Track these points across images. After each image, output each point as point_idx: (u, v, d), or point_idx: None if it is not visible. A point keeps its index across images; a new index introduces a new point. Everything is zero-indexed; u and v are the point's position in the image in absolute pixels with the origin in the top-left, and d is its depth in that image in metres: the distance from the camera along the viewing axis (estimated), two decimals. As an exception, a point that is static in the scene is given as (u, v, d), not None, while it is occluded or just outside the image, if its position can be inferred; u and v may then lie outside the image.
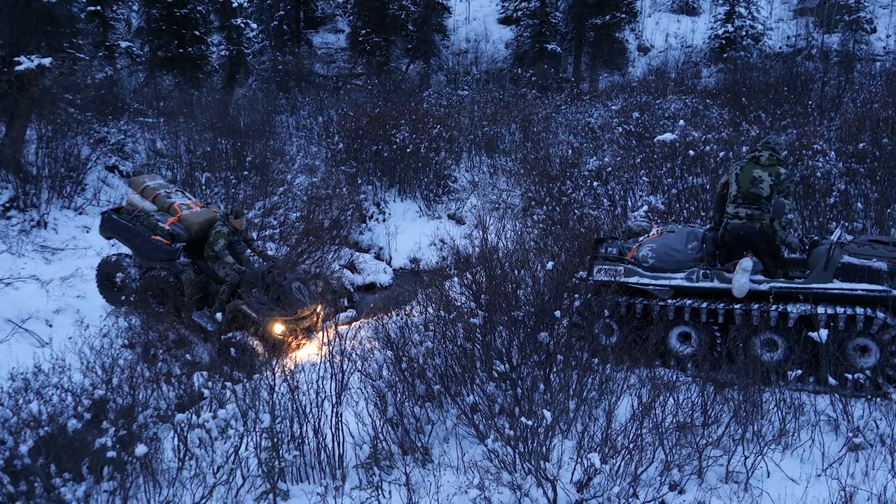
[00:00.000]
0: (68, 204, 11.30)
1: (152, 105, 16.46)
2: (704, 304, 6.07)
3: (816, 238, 6.65)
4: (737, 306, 5.90)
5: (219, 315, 7.17)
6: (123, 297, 8.57)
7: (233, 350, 6.10)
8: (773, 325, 5.77)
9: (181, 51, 20.61)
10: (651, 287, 6.33)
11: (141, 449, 4.33)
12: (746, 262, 5.94)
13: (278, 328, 7.86)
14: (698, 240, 6.54)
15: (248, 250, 8.82)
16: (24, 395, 5.16)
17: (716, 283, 6.12)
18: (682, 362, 6.08)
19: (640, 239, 6.92)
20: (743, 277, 5.88)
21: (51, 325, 8.59)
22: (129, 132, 14.20)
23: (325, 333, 5.92)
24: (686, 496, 4.28)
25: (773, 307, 5.74)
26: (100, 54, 18.68)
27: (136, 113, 15.48)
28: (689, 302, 6.15)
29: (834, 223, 8.16)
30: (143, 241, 8.56)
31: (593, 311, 5.87)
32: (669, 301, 6.23)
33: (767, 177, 6.22)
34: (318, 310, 8.49)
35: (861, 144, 10.42)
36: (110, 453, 4.25)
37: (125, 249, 9.05)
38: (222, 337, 7.64)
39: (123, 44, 20.48)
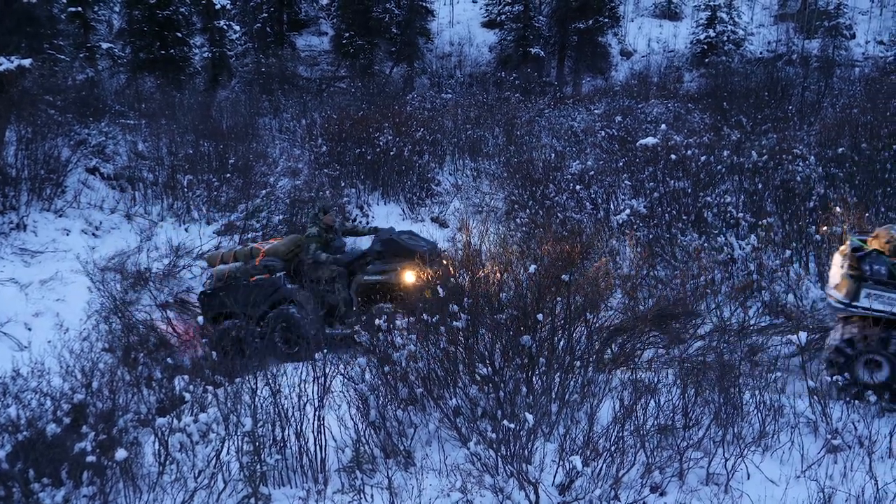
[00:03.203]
0: (48, 206, 11.18)
1: (134, 107, 16.30)
2: None
3: None
4: None
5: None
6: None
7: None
8: None
9: (163, 52, 20.46)
10: None
11: (121, 453, 4.30)
12: None
13: (409, 277, 7.40)
14: None
15: (352, 237, 8.65)
16: (2, 399, 5.10)
17: None
18: None
19: None
20: None
21: (30, 329, 8.50)
22: (111, 134, 14.06)
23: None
24: (667, 498, 4.31)
25: None
26: (81, 55, 18.52)
27: (118, 115, 15.34)
28: None
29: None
30: (246, 293, 8.13)
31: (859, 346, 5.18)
32: None
33: None
34: (441, 253, 8.19)
35: (840, 149, 10.54)
36: (90, 458, 4.21)
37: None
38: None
39: (105, 45, 20.30)
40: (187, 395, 5.35)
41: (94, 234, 11.05)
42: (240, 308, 8.01)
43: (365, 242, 9.26)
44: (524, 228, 10.58)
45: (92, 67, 18.76)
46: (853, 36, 26.76)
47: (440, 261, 7.72)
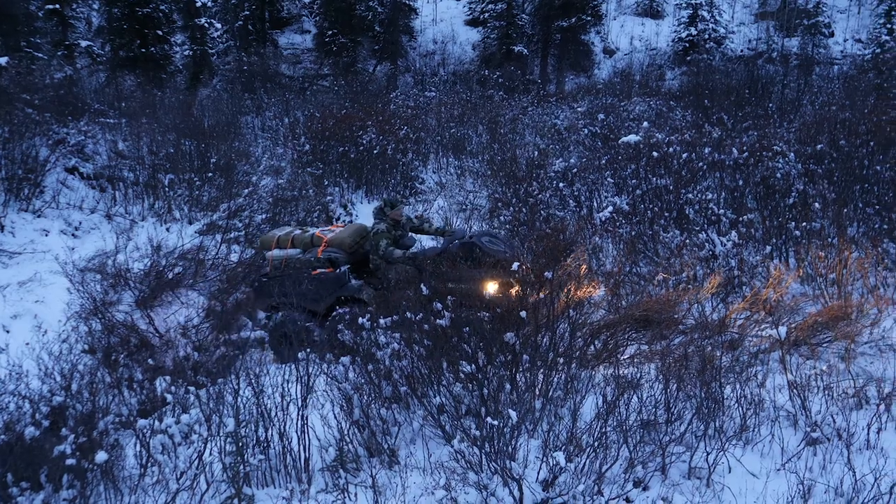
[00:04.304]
0: (26, 206, 11.05)
1: (114, 106, 16.15)
2: None
3: None
4: None
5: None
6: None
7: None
8: None
9: (143, 50, 20.31)
10: None
11: (101, 456, 4.25)
12: None
13: (492, 287, 6.74)
14: None
15: (420, 235, 8.09)
16: (-21, 402, 5.04)
17: None
18: None
19: None
20: None
21: (8, 331, 8.39)
22: (90, 133, 13.90)
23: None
24: (650, 492, 4.33)
25: None
26: (59, 53, 18.37)
27: (97, 114, 15.17)
28: None
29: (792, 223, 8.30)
30: (308, 284, 7.61)
31: None
32: None
33: None
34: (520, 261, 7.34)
35: (819, 146, 10.65)
36: (70, 461, 4.16)
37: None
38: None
39: (83, 43, 20.16)
40: (169, 397, 5.31)
41: (73, 235, 10.93)
42: (301, 302, 7.41)
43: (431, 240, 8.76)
44: (508, 226, 10.59)
45: (70, 65, 18.58)
46: (832, 34, 27.07)
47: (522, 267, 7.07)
